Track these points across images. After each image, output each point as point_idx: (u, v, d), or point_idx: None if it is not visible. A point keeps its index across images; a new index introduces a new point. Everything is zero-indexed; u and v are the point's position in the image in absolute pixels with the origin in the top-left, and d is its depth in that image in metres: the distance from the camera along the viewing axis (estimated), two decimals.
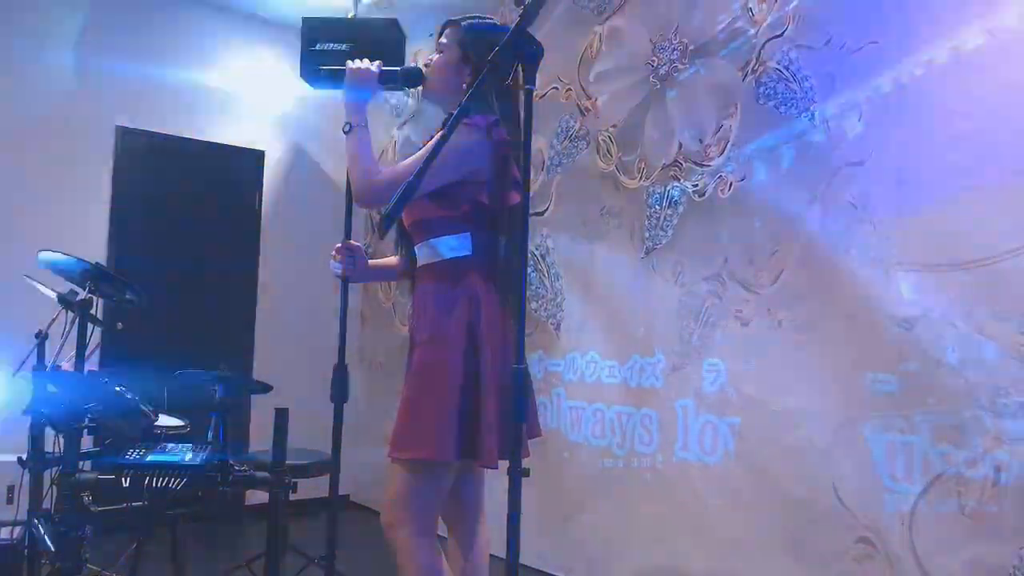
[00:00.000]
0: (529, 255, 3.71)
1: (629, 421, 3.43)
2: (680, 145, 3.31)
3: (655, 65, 3.44)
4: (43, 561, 2.78)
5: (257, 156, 4.97)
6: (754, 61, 3.04)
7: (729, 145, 3.11)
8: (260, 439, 4.43)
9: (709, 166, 3.18)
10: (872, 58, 2.67)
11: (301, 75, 4.02)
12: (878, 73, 2.65)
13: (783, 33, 2.95)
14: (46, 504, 2.91)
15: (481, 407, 1.80)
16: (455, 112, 1.53)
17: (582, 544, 3.56)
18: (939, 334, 2.44)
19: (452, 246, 1.92)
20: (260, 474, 2.54)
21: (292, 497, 2.77)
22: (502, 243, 1.93)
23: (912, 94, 2.57)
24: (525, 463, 1.42)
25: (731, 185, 3.10)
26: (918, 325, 2.49)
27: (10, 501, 3.31)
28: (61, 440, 2.56)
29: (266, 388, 3.22)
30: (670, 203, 3.33)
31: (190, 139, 4.68)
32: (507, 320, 1.92)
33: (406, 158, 1.94)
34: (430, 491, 1.88)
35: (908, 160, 2.57)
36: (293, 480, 2.63)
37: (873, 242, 2.63)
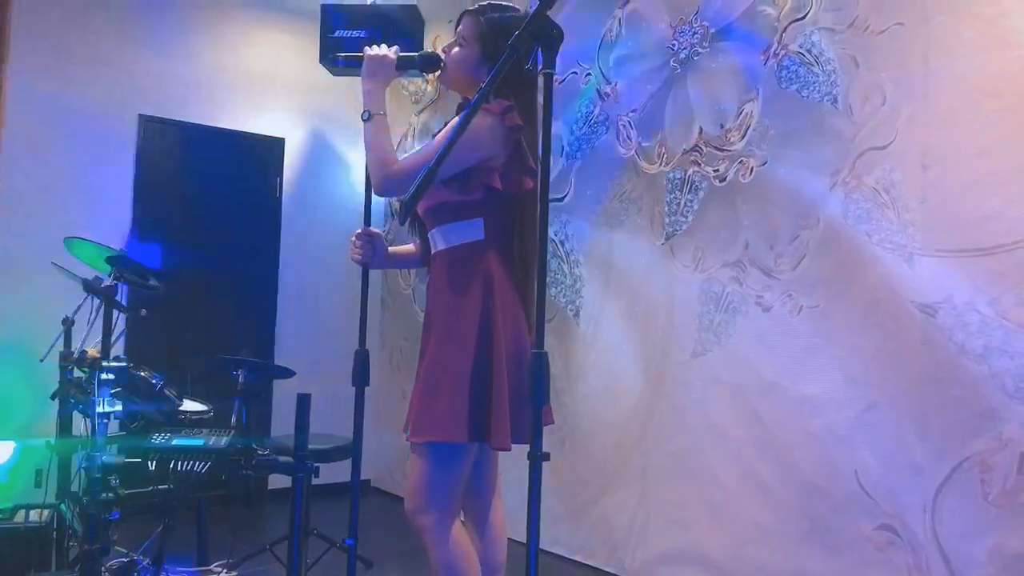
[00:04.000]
0: (548, 241, 3.71)
1: (649, 407, 3.43)
2: (701, 130, 3.28)
3: (675, 49, 3.41)
4: (71, 543, 2.84)
5: (277, 143, 5.00)
6: (776, 44, 3.01)
7: (750, 130, 3.09)
8: (282, 424, 4.48)
9: (730, 151, 3.16)
10: (897, 40, 2.64)
11: (320, 61, 4.04)
12: (903, 55, 2.62)
13: (805, 16, 2.91)
14: (74, 487, 2.96)
15: (494, 390, 1.81)
16: (473, 100, 1.53)
17: (602, 529, 3.58)
18: (963, 320, 2.42)
19: (466, 231, 1.92)
20: (283, 458, 2.57)
21: (314, 481, 2.80)
22: (517, 229, 1.93)
23: (937, 76, 2.53)
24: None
25: (752, 170, 3.07)
26: (941, 311, 2.47)
27: (39, 484, 3.37)
28: (88, 424, 2.60)
29: (288, 373, 3.25)
30: (690, 188, 3.31)
31: (211, 127, 4.72)
32: (522, 305, 1.93)
33: (426, 144, 1.94)
34: (450, 476, 1.90)
35: (933, 143, 2.53)
36: (315, 464, 2.65)
37: (896, 227, 2.61)
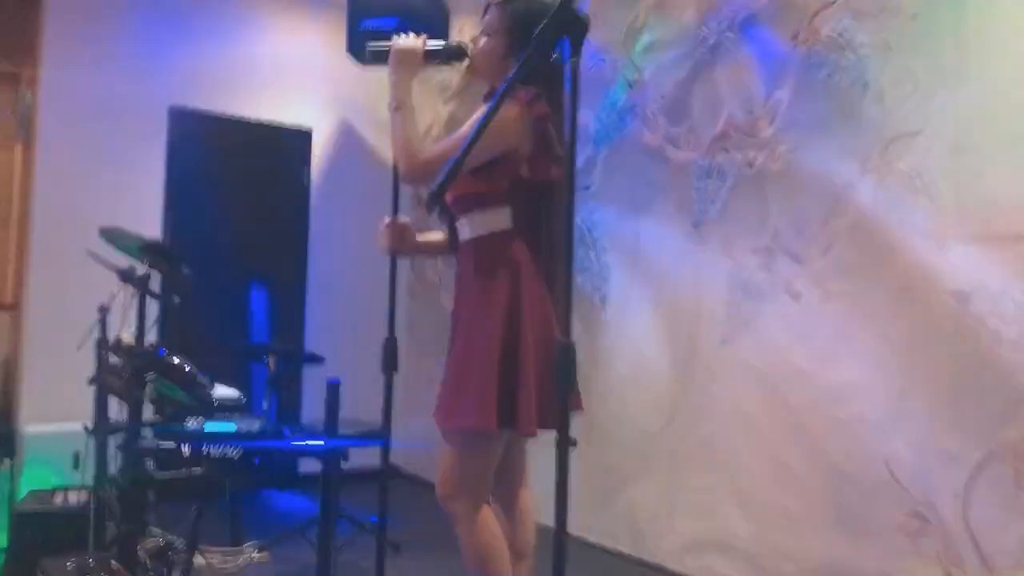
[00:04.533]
0: (575, 229, 3.71)
1: (676, 394, 3.42)
2: (729, 117, 3.26)
3: (704, 36, 3.38)
4: (109, 524, 2.91)
5: (305, 134, 5.04)
6: (806, 30, 2.97)
7: (779, 116, 3.06)
8: (312, 410, 4.54)
9: (759, 138, 3.13)
10: (930, 24, 2.60)
11: (348, 50, 4.06)
12: (936, 40, 2.58)
13: (836, 0, 2.87)
14: (111, 470, 3.03)
15: (520, 377, 1.83)
16: (499, 90, 1.54)
17: (629, 515, 3.59)
18: (997, 308, 2.38)
19: (493, 220, 1.94)
20: (313, 443, 2.61)
21: (343, 466, 2.84)
22: (544, 217, 1.94)
23: (971, 60, 2.49)
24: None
25: (781, 157, 3.05)
26: (974, 298, 2.43)
27: (76, 467, 3.46)
28: (124, 409, 2.66)
29: (318, 360, 3.30)
30: (719, 176, 3.29)
31: (240, 118, 4.77)
32: (549, 292, 1.94)
33: (452, 134, 1.96)
34: (480, 462, 1.93)
35: (965, 129, 2.49)
36: (345, 449, 2.70)
37: (928, 213, 2.57)
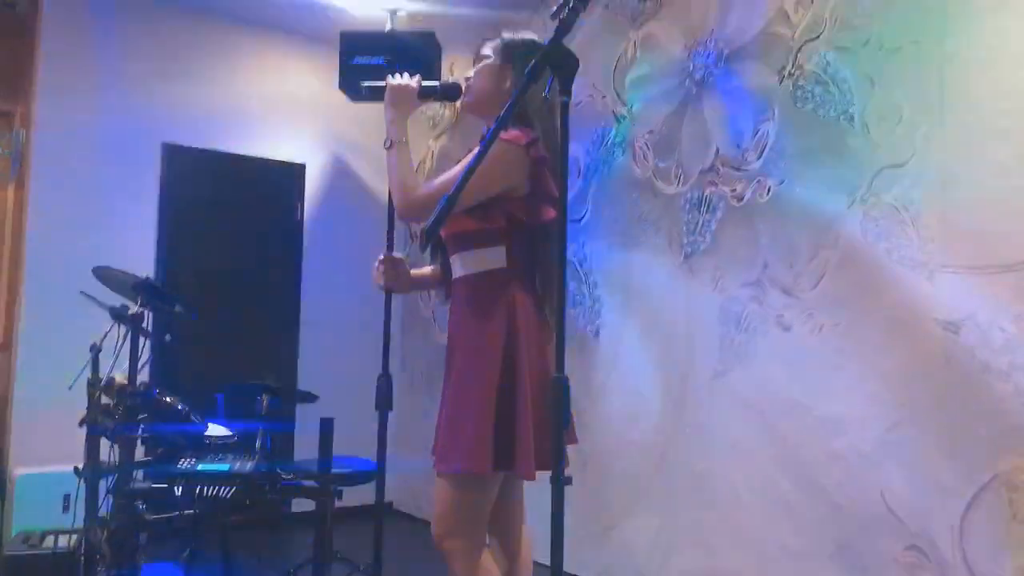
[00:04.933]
0: (567, 263, 3.73)
1: (671, 428, 3.41)
2: (717, 150, 3.30)
3: (691, 70, 3.44)
4: (99, 568, 2.86)
5: (298, 169, 5.06)
6: (791, 64, 3.03)
7: (767, 149, 3.10)
8: (305, 448, 4.51)
9: (747, 171, 3.17)
10: (912, 57, 2.65)
11: (339, 87, 4.10)
12: (919, 72, 2.63)
13: (820, 35, 2.93)
14: (102, 512, 2.99)
15: (518, 418, 1.82)
16: (492, 127, 1.56)
17: (625, 551, 3.56)
18: (987, 337, 2.40)
19: (488, 258, 1.94)
20: (307, 483, 2.60)
21: (337, 504, 2.82)
22: (540, 258, 1.95)
23: (954, 93, 2.53)
24: (565, 471, 1.43)
25: (769, 189, 3.08)
26: (964, 328, 2.45)
27: (66, 509, 3.41)
28: (116, 450, 2.64)
29: (311, 398, 3.28)
30: (708, 208, 3.32)
31: (233, 154, 4.79)
32: (544, 330, 1.94)
33: (443, 170, 1.97)
34: (476, 502, 1.90)
35: (951, 160, 2.53)
36: (338, 488, 2.68)
37: (916, 244, 2.60)
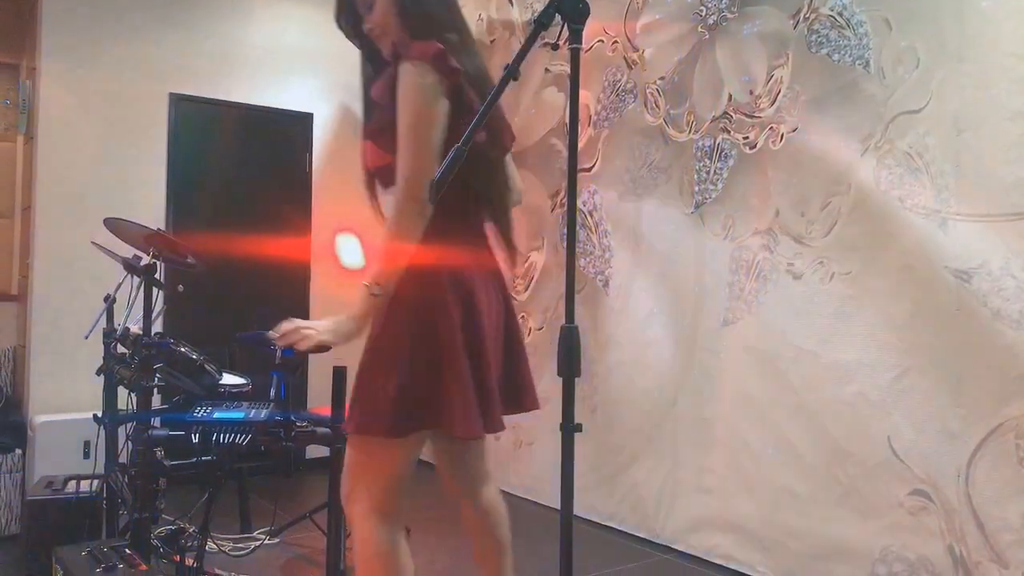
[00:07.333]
0: (577, 211, 3.72)
1: (679, 375, 3.44)
2: (730, 96, 3.25)
3: (703, 15, 3.37)
4: (121, 512, 2.94)
5: (306, 118, 5.03)
6: (806, 8, 2.96)
7: (780, 95, 3.05)
8: (318, 396, 4.57)
9: (760, 117, 3.13)
10: (930, 1, 2.59)
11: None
12: (937, 16, 2.57)
13: None
14: (122, 458, 3.06)
15: (446, 378, 1.68)
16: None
17: (633, 496, 3.62)
18: (998, 285, 2.39)
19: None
20: (320, 430, 2.64)
21: None
22: (483, 184, 1.83)
23: (972, 37, 2.48)
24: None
25: (782, 136, 3.05)
26: (976, 277, 2.44)
27: (87, 456, 3.49)
28: (133, 398, 2.69)
29: (323, 348, 3.31)
30: (720, 156, 3.29)
31: (241, 103, 4.76)
32: (493, 278, 1.84)
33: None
34: (375, 466, 1.77)
35: (967, 107, 2.49)
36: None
37: (929, 192, 2.58)
